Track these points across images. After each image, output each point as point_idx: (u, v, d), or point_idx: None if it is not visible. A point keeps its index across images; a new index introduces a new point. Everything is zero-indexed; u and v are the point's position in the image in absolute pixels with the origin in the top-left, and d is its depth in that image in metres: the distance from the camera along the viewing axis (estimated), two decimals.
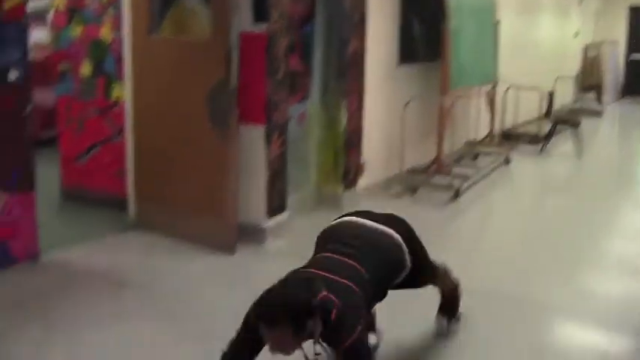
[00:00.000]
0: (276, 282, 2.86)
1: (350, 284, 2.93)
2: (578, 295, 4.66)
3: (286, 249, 5.34)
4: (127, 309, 4.20)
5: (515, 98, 9.85)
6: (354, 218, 3.40)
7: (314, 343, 2.81)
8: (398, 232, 3.31)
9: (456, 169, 7.37)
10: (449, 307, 3.92)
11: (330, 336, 2.80)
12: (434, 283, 3.77)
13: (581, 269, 5.18)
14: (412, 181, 7.24)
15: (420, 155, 7.50)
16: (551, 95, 10.28)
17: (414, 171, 7.37)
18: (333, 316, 2.75)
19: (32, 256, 4.86)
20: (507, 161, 8.92)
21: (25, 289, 4.45)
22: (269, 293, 2.82)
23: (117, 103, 5.83)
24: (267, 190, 5.35)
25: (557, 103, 11.20)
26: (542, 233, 6.09)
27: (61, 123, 6.24)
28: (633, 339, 4.02)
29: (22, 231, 4.77)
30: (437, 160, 7.33)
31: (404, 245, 3.28)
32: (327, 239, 3.31)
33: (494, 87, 9.12)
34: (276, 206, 5.47)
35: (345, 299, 2.84)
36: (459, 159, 8.33)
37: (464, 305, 3.98)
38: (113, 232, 5.55)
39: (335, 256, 3.11)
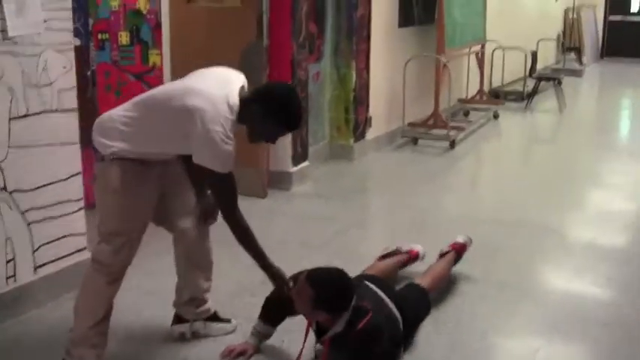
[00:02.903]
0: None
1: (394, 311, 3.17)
2: (563, 221, 5.52)
3: (310, 192, 6.09)
4: None
5: (501, 58, 10.53)
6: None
7: (320, 337, 2.92)
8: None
9: (451, 123, 8.09)
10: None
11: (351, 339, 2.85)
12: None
13: (562, 207, 5.94)
14: (413, 134, 7.99)
15: (419, 110, 8.23)
16: (534, 55, 10.95)
17: (414, 124, 8.11)
18: (360, 324, 2.85)
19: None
20: (496, 116, 9.67)
21: None
22: (331, 268, 3.08)
23: (153, 68, 6.49)
24: (293, 140, 6.06)
25: (540, 64, 11.87)
26: (530, 177, 6.89)
27: (99, 88, 6.87)
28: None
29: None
30: (434, 114, 8.06)
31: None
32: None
33: (483, 47, 9.82)
34: (299, 155, 6.18)
35: (378, 315, 2.96)
36: (453, 114, 9.06)
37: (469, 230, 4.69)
38: None
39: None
